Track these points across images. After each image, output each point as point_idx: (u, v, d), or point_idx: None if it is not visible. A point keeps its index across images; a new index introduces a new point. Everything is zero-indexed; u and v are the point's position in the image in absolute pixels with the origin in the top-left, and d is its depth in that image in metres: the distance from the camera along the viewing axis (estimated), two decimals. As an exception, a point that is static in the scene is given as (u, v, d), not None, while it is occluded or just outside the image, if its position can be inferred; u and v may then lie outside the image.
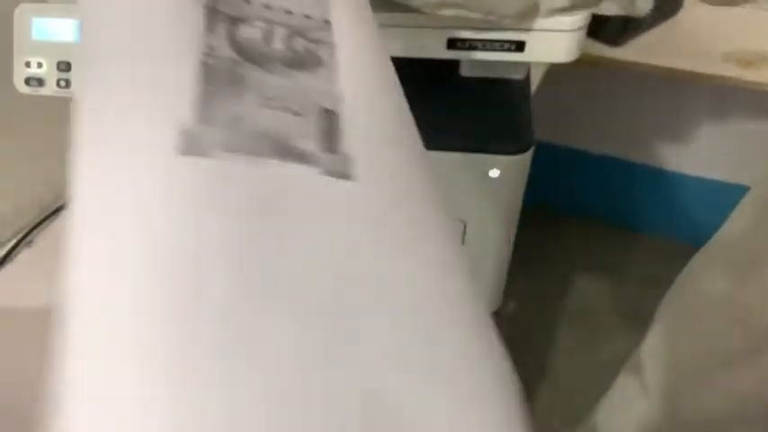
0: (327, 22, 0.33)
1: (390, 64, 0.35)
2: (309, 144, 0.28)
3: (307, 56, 0.32)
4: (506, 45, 0.50)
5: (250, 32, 0.31)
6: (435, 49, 0.51)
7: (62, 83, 0.50)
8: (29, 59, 0.50)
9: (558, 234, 1.41)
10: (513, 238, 0.67)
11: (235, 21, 0.31)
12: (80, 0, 0.29)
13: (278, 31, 0.32)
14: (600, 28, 0.46)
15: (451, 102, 0.59)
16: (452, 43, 0.50)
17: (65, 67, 0.50)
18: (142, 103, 0.27)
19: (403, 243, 0.28)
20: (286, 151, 0.27)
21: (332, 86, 0.31)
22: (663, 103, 1.23)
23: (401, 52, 0.51)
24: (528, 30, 0.49)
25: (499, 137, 0.55)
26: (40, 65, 0.50)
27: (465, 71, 0.61)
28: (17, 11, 0.51)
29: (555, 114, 1.18)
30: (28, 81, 0.50)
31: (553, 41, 0.49)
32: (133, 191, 0.25)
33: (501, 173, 0.55)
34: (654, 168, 1.37)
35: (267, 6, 0.33)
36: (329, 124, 0.30)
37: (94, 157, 0.26)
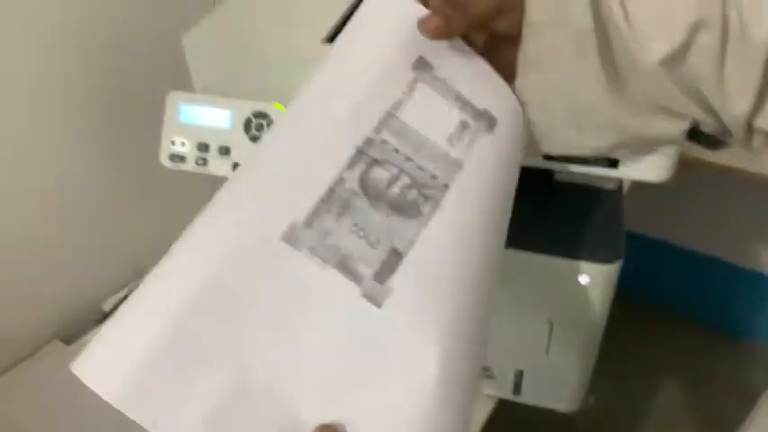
0: (446, 186, 0.42)
1: (501, 218, 0.45)
2: (367, 270, 0.38)
3: (411, 206, 0.41)
4: (600, 161, 0.53)
5: (381, 174, 0.41)
6: (533, 159, 0.55)
7: (200, 161, 0.57)
8: (174, 138, 0.58)
9: (646, 331, 1.37)
10: (599, 341, 0.68)
11: (374, 163, 0.41)
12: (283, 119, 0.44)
13: (403, 179, 0.42)
14: (699, 133, 0.47)
15: (544, 205, 0.62)
16: (548, 155, 0.54)
17: (203, 148, 0.57)
18: (281, 191, 0.40)
19: (374, 374, 0.38)
20: (345, 267, 0.38)
21: (413, 236, 0.40)
22: (764, 205, 1.20)
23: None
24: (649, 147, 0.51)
25: (589, 245, 0.58)
26: (183, 144, 0.58)
27: (559, 176, 0.64)
28: (169, 96, 0.58)
29: (650, 206, 1.17)
30: (172, 157, 0.58)
31: (646, 160, 0.52)
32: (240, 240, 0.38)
33: (589, 280, 0.57)
34: (751, 271, 1.33)
35: (408, 159, 0.42)
36: (391, 261, 0.39)
37: (226, 218, 0.39)
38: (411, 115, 0.43)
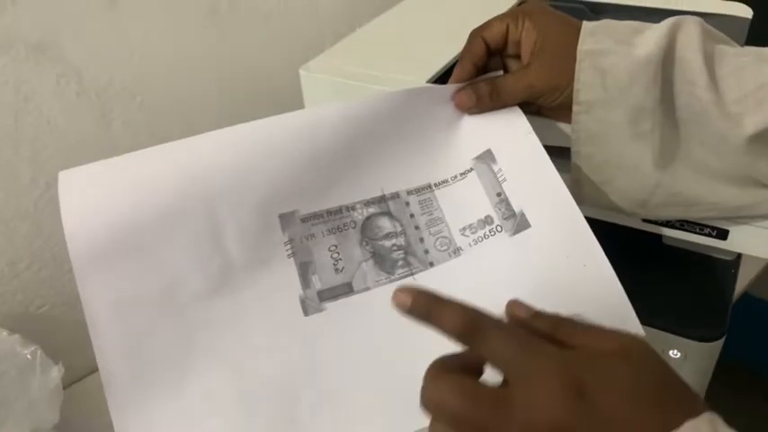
0: (431, 265, 0.45)
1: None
2: (318, 284, 0.43)
3: (389, 262, 0.44)
4: (706, 230, 0.49)
5: (385, 225, 0.45)
6: (632, 220, 0.52)
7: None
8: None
9: (752, 400, 1.23)
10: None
11: (386, 214, 0.45)
12: None
13: (400, 239, 0.45)
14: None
15: (647, 268, 0.58)
16: (646, 219, 0.51)
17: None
18: (317, 176, 0.43)
19: None
20: (304, 270, 0.43)
21: (372, 285, 0.44)
22: None
23: (598, 215, 0.52)
24: (733, 218, 0.48)
25: (689, 319, 0.53)
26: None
27: (669, 240, 0.59)
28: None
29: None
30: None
31: (758, 235, 0.47)
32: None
33: (683, 355, 0.52)
34: None
35: (416, 228, 0.45)
36: (340, 290, 0.43)
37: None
38: (445, 197, 0.46)
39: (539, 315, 0.32)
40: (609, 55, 0.42)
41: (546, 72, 0.44)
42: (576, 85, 0.43)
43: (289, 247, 0.43)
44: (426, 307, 0.30)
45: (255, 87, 0.81)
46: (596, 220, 0.45)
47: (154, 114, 0.71)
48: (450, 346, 0.40)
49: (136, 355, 0.39)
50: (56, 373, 0.53)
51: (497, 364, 0.28)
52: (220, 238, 0.41)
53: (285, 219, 0.43)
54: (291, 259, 0.43)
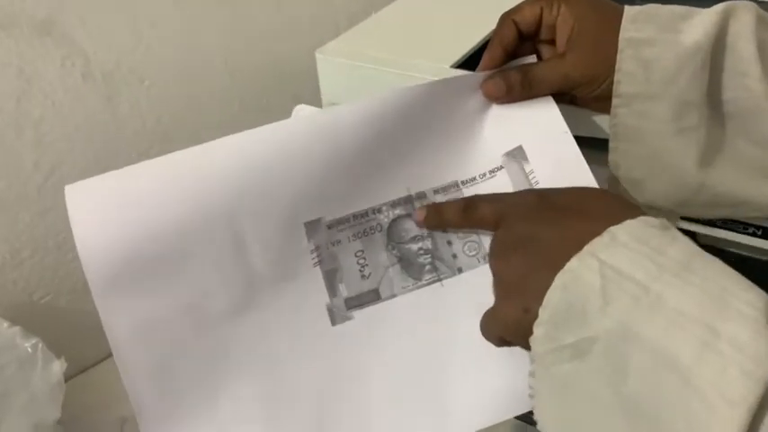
0: (459, 270, 0.42)
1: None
2: (345, 291, 0.41)
3: (417, 267, 0.42)
4: (751, 229, 0.46)
5: (411, 227, 0.43)
6: (669, 219, 0.49)
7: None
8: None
9: None
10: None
11: (411, 217, 0.43)
12: None
13: (426, 242, 0.43)
14: None
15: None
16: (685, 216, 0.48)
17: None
18: (339, 181, 0.41)
19: None
20: (330, 278, 0.41)
21: (398, 291, 0.42)
22: None
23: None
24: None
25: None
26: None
27: (702, 238, 0.56)
28: (296, 110, 0.58)
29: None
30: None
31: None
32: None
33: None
34: None
35: (444, 230, 0.43)
36: (367, 297, 0.42)
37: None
38: (473, 194, 0.43)
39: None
40: (653, 44, 0.39)
41: (583, 62, 0.41)
42: (617, 77, 0.40)
43: (315, 255, 0.41)
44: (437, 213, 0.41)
45: (268, 71, 0.79)
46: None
47: (162, 99, 0.69)
48: (477, 351, 0.38)
49: (164, 376, 0.38)
50: (57, 367, 0.50)
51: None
52: (244, 251, 0.39)
53: (311, 227, 0.41)
54: (317, 268, 0.41)
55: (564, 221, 0.33)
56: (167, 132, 0.71)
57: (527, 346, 0.32)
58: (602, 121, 0.47)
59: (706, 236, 0.57)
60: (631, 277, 0.28)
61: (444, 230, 0.42)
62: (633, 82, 0.40)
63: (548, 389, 0.31)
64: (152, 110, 0.69)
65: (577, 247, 0.30)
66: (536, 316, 0.30)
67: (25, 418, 0.48)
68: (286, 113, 0.59)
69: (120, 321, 0.37)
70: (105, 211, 0.37)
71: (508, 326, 0.34)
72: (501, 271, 0.35)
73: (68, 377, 0.57)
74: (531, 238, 0.33)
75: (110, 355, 0.37)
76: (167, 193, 0.38)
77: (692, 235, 0.57)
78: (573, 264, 0.29)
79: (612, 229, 0.30)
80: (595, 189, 0.37)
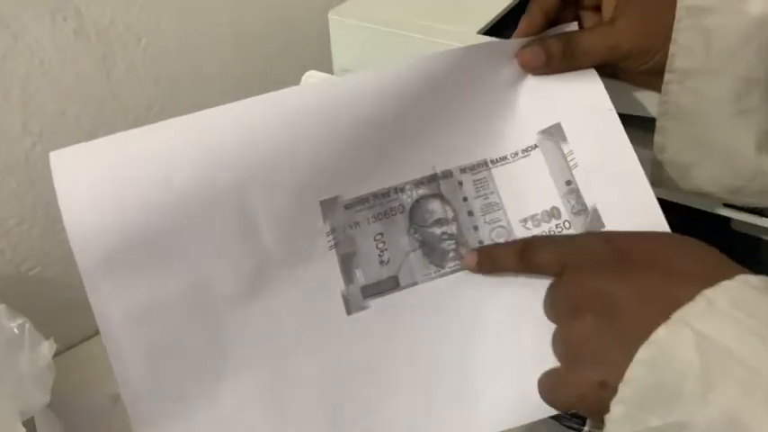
0: None
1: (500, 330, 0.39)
2: (362, 278, 0.38)
3: (439, 253, 0.39)
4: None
5: (435, 208, 0.39)
6: (710, 205, 0.45)
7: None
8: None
9: None
10: None
11: (437, 196, 0.39)
12: None
13: (451, 227, 0.39)
14: None
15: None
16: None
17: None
18: (357, 158, 0.38)
19: None
20: (346, 262, 0.38)
21: (420, 279, 0.39)
22: None
23: (675, 198, 0.45)
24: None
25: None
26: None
27: (737, 225, 0.53)
28: (305, 76, 0.55)
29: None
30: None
31: None
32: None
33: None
34: None
35: (470, 213, 0.40)
36: (386, 285, 0.39)
37: None
38: (504, 178, 0.40)
39: None
40: (715, 13, 0.35)
41: (635, 31, 0.37)
42: (673, 49, 0.36)
43: (331, 237, 0.38)
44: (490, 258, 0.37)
45: (275, 32, 0.74)
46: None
47: (160, 59, 0.65)
48: (501, 343, 0.35)
49: (160, 367, 0.35)
50: (46, 349, 0.47)
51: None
52: (253, 229, 0.36)
53: (327, 205, 0.38)
54: (333, 251, 0.38)
55: (643, 278, 0.29)
56: (165, 95, 0.67)
57: (599, 419, 0.28)
58: (643, 96, 0.43)
59: (743, 223, 0.53)
60: (738, 357, 0.24)
61: (498, 273, 0.38)
62: (691, 56, 0.36)
63: None
64: (149, 71, 0.64)
65: (662, 311, 0.26)
66: (614, 392, 0.27)
67: (11, 404, 0.45)
68: (294, 79, 0.55)
69: (113, 307, 0.34)
70: (97, 183, 0.33)
71: (580, 398, 0.30)
72: (569, 333, 0.32)
73: (57, 353, 0.54)
74: (603, 296, 0.30)
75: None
76: (167, 162, 0.34)
77: (726, 221, 0.53)
78: (661, 334, 0.26)
79: (708, 292, 0.26)
80: (678, 237, 0.32)
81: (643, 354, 0.26)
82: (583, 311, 0.30)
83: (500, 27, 0.49)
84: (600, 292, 0.30)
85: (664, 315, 0.26)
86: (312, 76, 0.54)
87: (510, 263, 0.36)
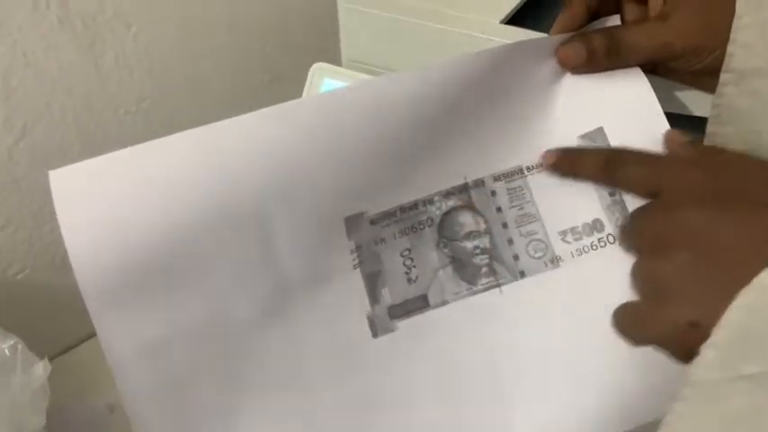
0: (522, 274, 0.36)
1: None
2: (388, 298, 0.36)
3: (472, 269, 0.36)
4: None
5: (467, 221, 0.36)
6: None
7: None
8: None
9: None
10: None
11: (469, 207, 0.37)
12: None
13: (484, 240, 0.37)
14: None
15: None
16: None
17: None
18: (383, 173, 0.35)
19: None
20: (372, 281, 0.36)
21: (450, 297, 0.36)
22: None
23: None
24: None
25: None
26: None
27: None
28: (313, 69, 0.52)
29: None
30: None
31: None
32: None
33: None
34: None
35: (504, 225, 0.37)
36: (414, 305, 0.36)
37: None
38: (540, 187, 0.37)
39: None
40: None
41: (689, 28, 0.34)
42: (731, 48, 0.33)
43: (355, 255, 0.36)
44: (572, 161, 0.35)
45: (276, 20, 0.70)
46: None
47: (152, 48, 0.61)
48: (544, 371, 0.33)
49: (175, 401, 0.33)
50: (40, 370, 0.44)
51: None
52: (272, 250, 0.33)
53: (352, 222, 0.35)
54: (357, 270, 0.36)
55: (749, 214, 0.28)
56: (158, 87, 0.63)
57: (682, 360, 0.27)
58: (685, 97, 0.40)
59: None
60: None
61: (577, 179, 0.36)
62: (752, 55, 0.33)
63: (706, 423, 0.25)
64: (140, 61, 0.61)
65: (766, 255, 0.25)
66: (707, 334, 0.25)
67: (5, 428, 0.42)
68: (300, 71, 0.52)
69: (122, 339, 0.32)
70: (99, 209, 0.31)
71: (665, 336, 0.28)
72: (658, 266, 0.29)
73: (49, 359, 0.52)
74: (704, 233, 0.28)
75: (93, 334, 0.32)
76: (179, 180, 0.32)
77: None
78: (764, 278, 0.24)
79: None
80: None
81: (744, 298, 0.24)
82: (678, 246, 0.28)
83: (527, 15, 0.45)
84: (700, 226, 0.28)
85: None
86: (320, 69, 0.51)
87: (592, 170, 0.34)
